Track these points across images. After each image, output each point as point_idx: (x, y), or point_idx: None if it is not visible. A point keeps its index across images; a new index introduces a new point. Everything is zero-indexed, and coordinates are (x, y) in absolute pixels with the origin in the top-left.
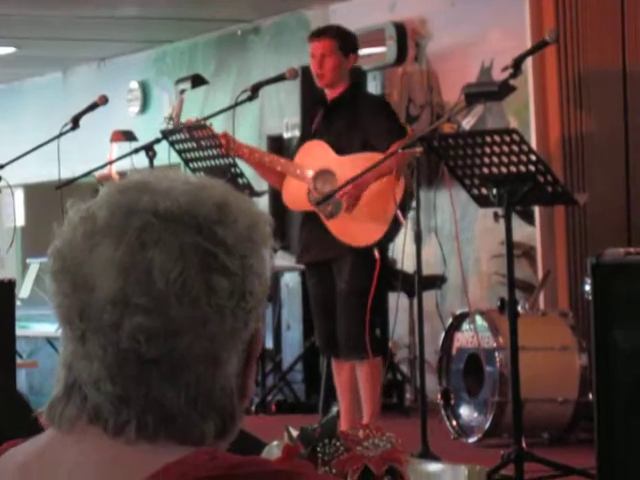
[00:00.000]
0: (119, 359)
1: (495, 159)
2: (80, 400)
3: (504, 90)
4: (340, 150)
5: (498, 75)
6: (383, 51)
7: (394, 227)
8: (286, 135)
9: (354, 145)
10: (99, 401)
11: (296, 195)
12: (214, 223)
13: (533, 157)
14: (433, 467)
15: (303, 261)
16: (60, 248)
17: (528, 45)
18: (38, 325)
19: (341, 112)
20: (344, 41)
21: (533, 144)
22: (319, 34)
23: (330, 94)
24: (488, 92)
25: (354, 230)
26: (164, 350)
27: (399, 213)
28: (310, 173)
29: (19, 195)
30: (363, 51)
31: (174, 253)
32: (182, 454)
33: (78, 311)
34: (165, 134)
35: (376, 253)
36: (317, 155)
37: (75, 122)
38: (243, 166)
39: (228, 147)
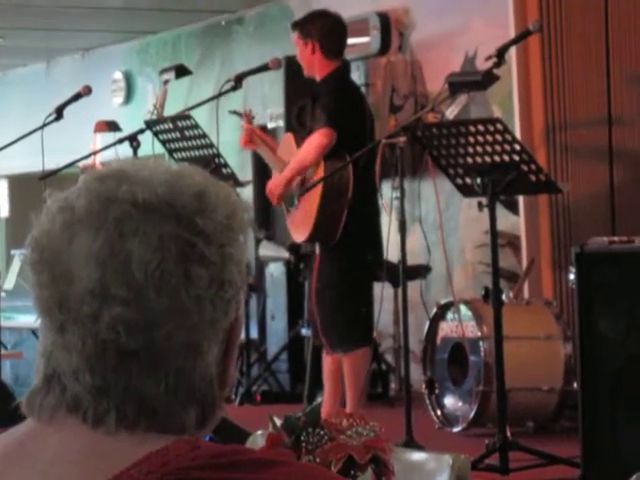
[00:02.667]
0: (98, 350)
1: (479, 148)
2: (59, 390)
3: (488, 79)
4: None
5: (482, 64)
6: (367, 41)
7: (329, 219)
8: (270, 125)
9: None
10: (78, 391)
11: (271, 190)
12: (193, 213)
13: (517, 146)
14: (417, 456)
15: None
16: (38, 238)
17: (512, 35)
18: (23, 316)
19: (315, 103)
20: (302, 29)
21: (517, 133)
22: (291, 27)
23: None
24: (472, 82)
25: (296, 225)
26: (143, 341)
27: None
28: (279, 169)
29: (3, 186)
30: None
31: (152, 244)
32: (163, 444)
33: (57, 302)
34: (149, 124)
35: (316, 248)
36: (285, 149)
37: (59, 113)
38: (227, 156)
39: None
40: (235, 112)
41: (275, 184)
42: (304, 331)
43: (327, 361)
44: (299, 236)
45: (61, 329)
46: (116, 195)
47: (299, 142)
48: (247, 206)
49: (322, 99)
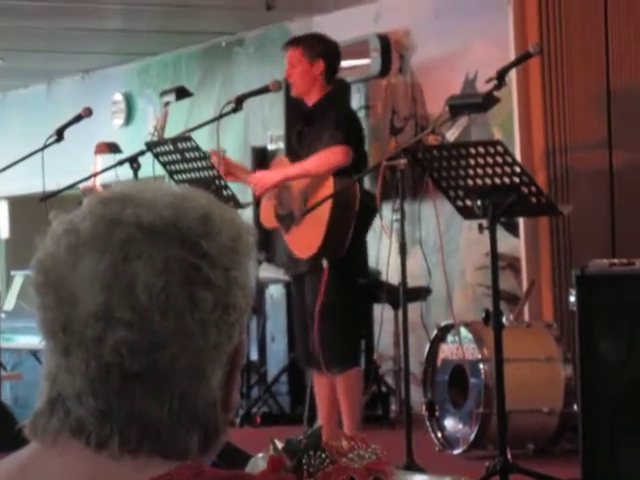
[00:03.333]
0: (102, 373)
1: (479, 171)
2: (63, 413)
3: (488, 102)
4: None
5: (482, 87)
6: (367, 63)
7: (337, 233)
8: (270, 147)
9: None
10: (82, 415)
11: (267, 213)
12: (198, 236)
13: (517, 168)
14: (418, 479)
15: (289, 275)
16: (43, 261)
17: (512, 57)
18: (22, 337)
19: (314, 123)
20: (309, 47)
21: (517, 156)
22: (287, 43)
23: (307, 103)
24: (472, 104)
25: (300, 242)
26: (147, 364)
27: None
28: (274, 191)
29: (3, 207)
30: (347, 63)
31: (157, 266)
32: (166, 469)
33: (61, 325)
34: (149, 146)
35: (324, 263)
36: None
37: (59, 134)
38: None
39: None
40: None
41: (269, 175)
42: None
43: (321, 383)
44: (305, 251)
45: (65, 352)
46: (121, 218)
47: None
48: (252, 229)
49: (332, 117)
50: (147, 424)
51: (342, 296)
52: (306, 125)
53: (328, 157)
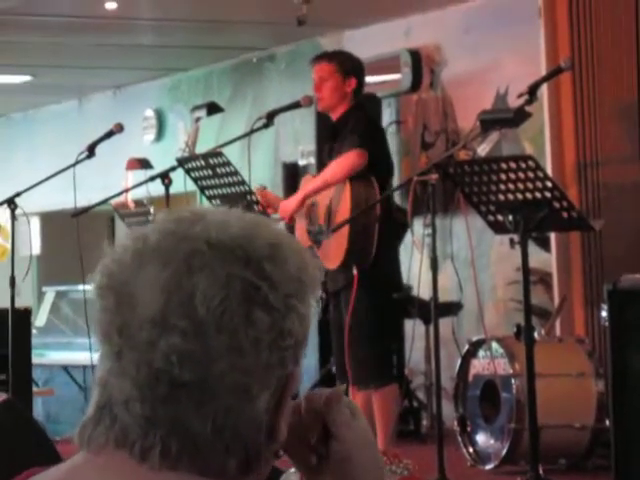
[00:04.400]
0: (151, 379)
1: (511, 185)
2: (110, 421)
3: (519, 117)
4: None
5: (513, 101)
6: (398, 78)
7: (360, 238)
8: (301, 162)
9: None
10: (127, 423)
11: (301, 233)
12: (264, 258)
13: (549, 183)
14: None
15: (326, 291)
16: (108, 265)
17: (543, 72)
18: (54, 353)
19: (340, 136)
20: (342, 63)
21: (549, 170)
22: (318, 58)
23: (333, 118)
24: (503, 119)
25: (328, 254)
26: (196, 375)
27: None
28: (304, 210)
29: (35, 223)
30: (378, 78)
31: (219, 281)
32: None
33: (118, 327)
34: (181, 162)
35: (354, 270)
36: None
37: (91, 150)
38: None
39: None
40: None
41: (290, 199)
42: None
43: (357, 398)
44: (334, 261)
45: (118, 355)
46: (190, 232)
47: None
48: (319, 265)
49: (352, 124)
50: (188, 437)
51: (373, 310)
52: (333, 140)
53: (342, 163)
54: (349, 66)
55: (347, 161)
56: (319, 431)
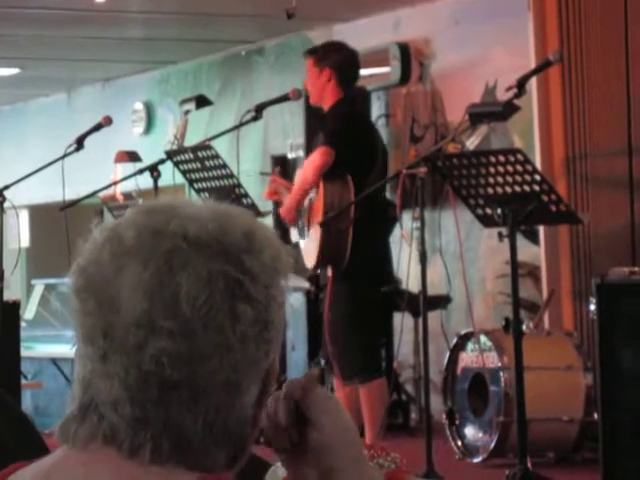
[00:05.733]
0: (140, 381)
1: (499, 179)
2: (96, 419)
3: (508, 110)
4: None
5: (502, 95)
6: (387, 71)
7: (333, 239)
8: (290, 155)
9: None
10: (116, 422)
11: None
12: (241, 251)
13: (537, 177)
14: None
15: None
16: (85, 267)
17: (532, 65)
18: (43, 346)
19: (321, 132)
20: (317, 56)
21: (537, 164)
22: (307, 53)
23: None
24: (492, 112)
25: (307, 252)
26: (186, 375)
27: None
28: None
29: (24, 216)
30: (367, 71)
31: (202, 279)
32: (188, 479)
33: (102, 330)
34: (169, 155)
35: (328, 271)
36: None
37: (79, 143)
38: (247, 186)
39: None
40: (265, 173)
41: (286, 209)
42: (324, 362)
43: (339, 391)
44: (310, 261)
45: (103, 357)
46: (166, 228)
47: None
48: (290, 250)
49: (327, 122)
50: (180, 435)
51: (352, 305)
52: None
53: (310, 164)
54: (325, 58)
55: (313, 163)
56: (294, 418)
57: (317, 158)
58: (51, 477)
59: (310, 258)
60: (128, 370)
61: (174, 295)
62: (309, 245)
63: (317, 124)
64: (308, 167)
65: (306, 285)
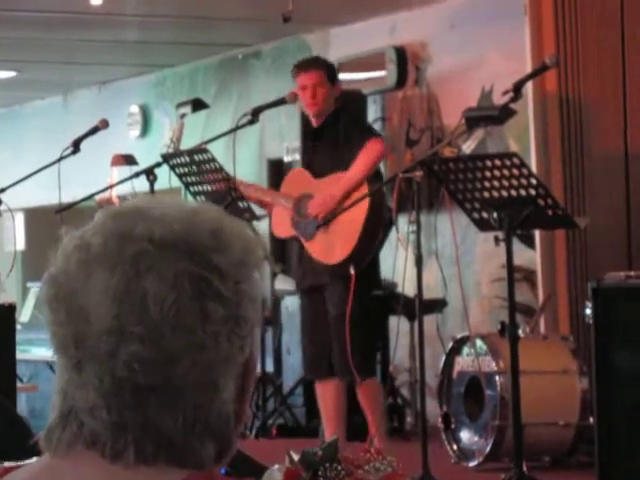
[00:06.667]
0: (115, 387)
1: (496, 183)
2: (77, 426)
3: (505, 114)
4: (323, 174)
5: (498, 99)
6: (383, 75)
7: (368, 241)
8: (286, 159)
9: (330, 167)
10: (96, 427)
11: (281, 223)
12: (208, 249)
13: (533, 181)
14: None
15: (299, 287)
16: (55, 276)
17: (528, 69)
18: (38, 349)
19: (325, 138)
20: (330, 71)
21: (533, 168)
22: (308, 66)
23: (316, 121)
24: (489, 116)
25: (328, 247)
26: (160, 378)
27: (360, 229)
28: (291, 200)
29: (19, 219)
30: (363, 75)
31: (168, 281)
32: (178, 478)
33: (73, 340)
34: (166, 158)
35: (351, 269)
36: (298, 182)
37: (76, 146)
38: None
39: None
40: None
41: (328, 198)
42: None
43: (325, 395)
44: (334, 257)
45: (77, 367)
46: (132, 232)
47: (324, 173)
48: (262, 242)
49: (349, 123)
50: (162, 436)
51: (362, 307)
52: (316, 140)
53: (369, 153)
54: (334, 73)
55: (374, 152)
56: None
57: (378, 148)
58: None
59: (332, 254)
60: (102, 378)
61: (142, 299)
62: (331, 241)
63: (307, 134)
64: (370, 157)
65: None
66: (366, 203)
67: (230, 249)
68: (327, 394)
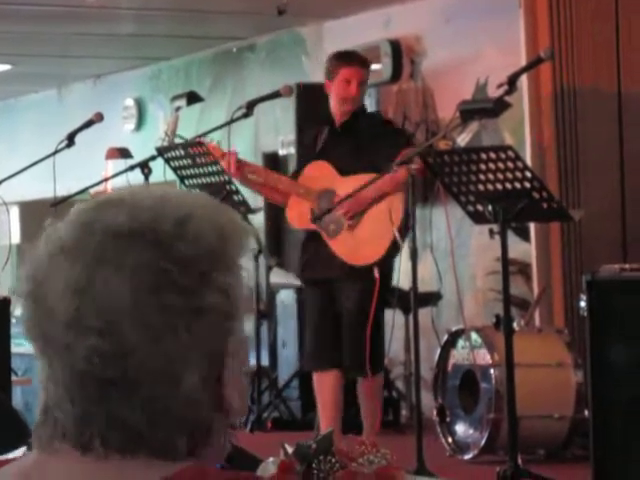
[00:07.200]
0: (76, 380)
1: (490, 176)
2: (53, 421)
3: (499, 107)
4: (345, 171)
5: (493, 92)
6: (378, 68)
7: (394, 247)
8: (281, 152)
9: (359, 167)
10: (64, 421)
11: (300, 214)
12: (173, 238)
13: (528, 174)
14: None
15: (304, 277)
16: (29, 272)
17: (523, 62)
18: None
19: (347, 135)
20: (368, 68)
21: (528, 161)
22: (362, 62)
23: (343, 117)
24: (483, 109)
25: (355, 249)
26: (119, 370)
27: (397, 234)
28: (313, 193)
29: (14, 212)
30: None
31: (127, 273)
32: (171, 470)
33: (43, 335)
34: (160, 151)
35: (375, 272)
36: (321, 175)
37: (70, 139)
38: (238, 183)
39: (237, 168)
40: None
41: (364, 198)
42: None
43: (324, 385)
44: (358, 258)
45: (49, 360)
46: (98, 224)
47: (344, 170)
48: (241, 230)
49: (381, 122)
50: (127, 428)
51: (379, 305)
52: (334, 134)
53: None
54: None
55: (403, 178)
56: None
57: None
58: (31, 476)
59: (361, 254)
60: (64, 370)
61: (100, 292)
62: (360, 242)
63: (320, 122)
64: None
65: (297, 282)
66: (399, 212)
67: (199, 238)
68: (326, 385)
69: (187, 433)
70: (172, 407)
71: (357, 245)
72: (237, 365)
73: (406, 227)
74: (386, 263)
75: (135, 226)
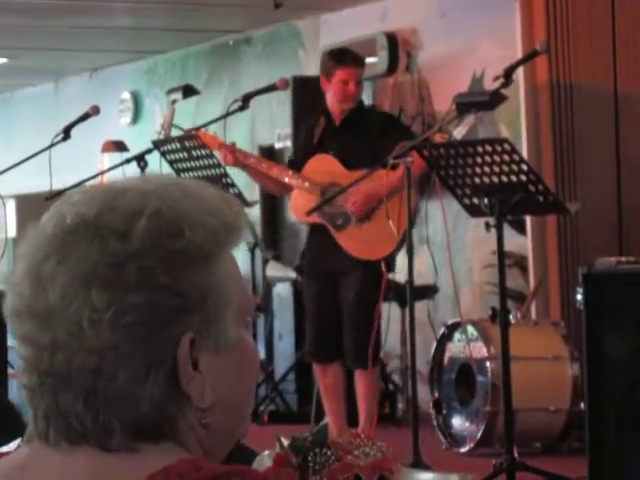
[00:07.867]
0: (24, 370)
1: (486, 169)
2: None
3: (495, 100)
4: (346, 164)
5: (489, 85)
6: (374, 61)
7: (401, 243)
8: (277, 145)
9: (361, 160)
10: (32, 413)
11: (305, 207)
12: (114, 233)
13: (524, 167)
14: (425, 477)
15: (310, 272)
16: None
17: (519, 55)
18: None
19: (348, 128)
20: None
21: (524, 154)
22: (357, 61)
23: (340, 114)
24: (479, 102)
25: (363, 243)
26: (51, 364)
27: (394, 228)
28: (317, 186)
29: (11, 206)
30: None
31: (65, 267)
32: (166, 463)
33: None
34: (156, 144)
35: (383, 266)
36: (326, 169)
37: (67, 132)
38: (234, 176)
39: (235, 158)
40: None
41: (375, 194)
42: None
43: (327, 376)
44: (366, 253)
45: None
46: (51, 218)
47: (350, 164)
48: (208, 226)
49: (391, 120)
50: (78, 421)
51: (377, 294)
52: (333, 128)
53: (421, 163)
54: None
55: (423, 162)
56: None
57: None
58: (26, 469)
59: (379, 247)
60: (19, 361)
61: (40, 285)
62: (368, 237)
63: (317, 115)
64: (420, 167)
65: (293, 275)
66: (413, 209)
67: (147, 233)
68: (330, 377)
69: (133, 429)
70: (110, 403)
71: (365, 240)
72: (208, 360)
73: (412, 226)
74: (392, 260)
75: (80, 222)
